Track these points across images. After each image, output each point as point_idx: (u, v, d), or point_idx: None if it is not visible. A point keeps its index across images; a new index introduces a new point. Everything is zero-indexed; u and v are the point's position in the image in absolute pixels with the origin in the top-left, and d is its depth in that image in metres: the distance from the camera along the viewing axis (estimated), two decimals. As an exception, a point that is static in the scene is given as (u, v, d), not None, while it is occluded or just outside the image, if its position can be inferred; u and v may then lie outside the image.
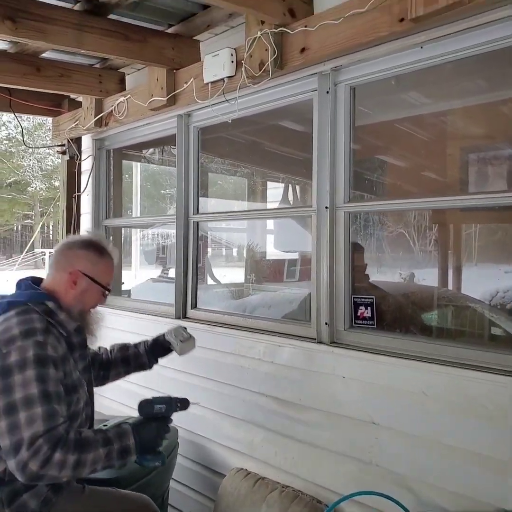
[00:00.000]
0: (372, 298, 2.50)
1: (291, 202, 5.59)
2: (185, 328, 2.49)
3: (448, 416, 2.08)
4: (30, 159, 27.66)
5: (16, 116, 4.19)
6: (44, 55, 3.51)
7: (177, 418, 3.09)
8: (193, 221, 3.42)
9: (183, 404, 2.11)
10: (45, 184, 28.82)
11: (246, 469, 2.80)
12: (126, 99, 3.58)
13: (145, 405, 2.05)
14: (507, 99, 3.26)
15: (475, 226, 4.74)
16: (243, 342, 2.91)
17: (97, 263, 2.09)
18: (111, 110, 3.74)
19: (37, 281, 2.10)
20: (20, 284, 2.07)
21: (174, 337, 2.42)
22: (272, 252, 5.60)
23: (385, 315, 2.75)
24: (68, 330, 2.02)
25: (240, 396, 2.90)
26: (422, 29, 2.14)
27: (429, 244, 4.76)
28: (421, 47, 2.24)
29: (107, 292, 2.14)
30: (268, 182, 5.91)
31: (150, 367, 2.52)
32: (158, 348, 2.47)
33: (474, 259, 4.73)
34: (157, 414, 2.04)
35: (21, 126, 4.57)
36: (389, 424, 2.27)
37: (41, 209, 30.39)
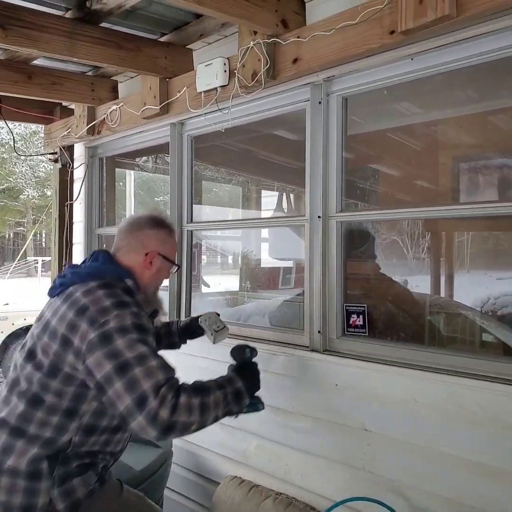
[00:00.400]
0: (364, 306, 2.52)
1: (285, 210, 5.61)
2: (219, 314, 2.53)
3: (439, 423, 2.10)
4: (23, 166, 27.58)
5: (6, 124, 4.18)
6: (35, 62, 3.51)
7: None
8: (187, 230, 3.43)
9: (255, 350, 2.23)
10: (38, 192, 28.73)
11: (240, 477, 2.81)
12: (119, 107, 3.60)
13: (238, 351, 2.16)
14: (497, 110, 3.31)
15: (467, 234, 4.78)
16: (236, 350, 2.91)
17: (167, 241, 2.12)
18: (104, 118, 3.75)
19: (110, 255, 2.08)
20: (96, 256, 2.03)
21: (208, 326, 2.44)
22: (267, 260, 5.60)
23: (377, 323, 2.77)
24: (145, 312, 2.01)
25: (233, 404, 2.90)
26: (412, 41, 2.17)
27: (422, 251, 4.78)
28: (412, 59, 2.27)
29: (176, 268, 2.17)
30: (263, 190, 5.93)
31: (179, 347, 2.56)
32: (190, 331, 2.50)
33: (466, 266, 4.76)
34: (248, 358, 2.16)
35: (12, 133, 4.53)
36: (382, 431, 2.29)
37: (33, 216, 30.27)
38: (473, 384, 2.02)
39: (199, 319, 2.47)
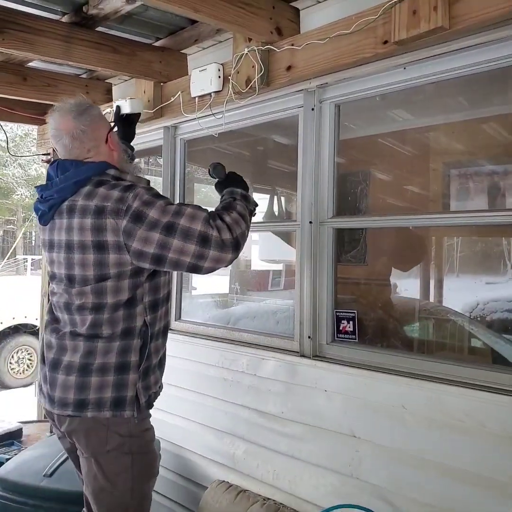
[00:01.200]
0: (354, 312, 2.53)
1: (276, 213, 5.62)
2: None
3: (427, 430, 2.12)
4: (14, 166, 27.41)
5: (0, 124, 4.17)
6: (30, 64, 3.51)
7: (159, 430, 3.08)
8: (178, 233, 3.43)
9: None
10: (30, 191, 28.50)
11: (228, 482, 2.81)
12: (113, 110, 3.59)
13: (218, 168, 2.28)
14: (488, 117, 3.34)
15: (457, 238, 4.79)
16: (226, 354, 2.92)
17: (102, 117, 2.13)
18: (98, 120, 3.74)
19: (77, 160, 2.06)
20: (63, 166, 2.00)
21: (121, 99, 2.72)
22: (257, 262, 5.61)
23: (367, 329, 2.78)
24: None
25: (223, 409, 2.91)
26: (405, 51, 2.19)
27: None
28: (404, 68, 2.29)
29: (115, 127, 2.20)
30: (254, 193, 5.94)
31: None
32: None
33: (456, 270, 4.78)
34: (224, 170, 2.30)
35: (5, 134, 4.48)
36: (370, 437, 2.30)
37: (23, 214, 30.05)
38: (460, 392, 2.04)
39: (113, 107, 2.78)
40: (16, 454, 3.10)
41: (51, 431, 3.51)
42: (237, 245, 1.91)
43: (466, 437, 2.01)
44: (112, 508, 1.96)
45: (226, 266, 1.94)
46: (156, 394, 2.08)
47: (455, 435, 2.03)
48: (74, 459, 2.11)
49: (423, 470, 2.12)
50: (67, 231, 1.93)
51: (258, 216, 5.95)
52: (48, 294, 2.22)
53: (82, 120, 2.02)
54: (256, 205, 2.22)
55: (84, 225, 1.88)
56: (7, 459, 3.04)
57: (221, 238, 1.85)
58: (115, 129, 2.18)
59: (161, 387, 2.14)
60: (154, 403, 2.07)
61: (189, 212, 1.87)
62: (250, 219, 2.11)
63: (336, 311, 2.58)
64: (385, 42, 2.13)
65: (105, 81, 3.84)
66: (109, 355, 1.90)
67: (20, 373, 8.28)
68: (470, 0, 1.88)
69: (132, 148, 2.63)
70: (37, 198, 2.06)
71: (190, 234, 1.83)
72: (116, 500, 1.95)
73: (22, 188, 28.16)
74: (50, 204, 1.99)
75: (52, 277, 2.07)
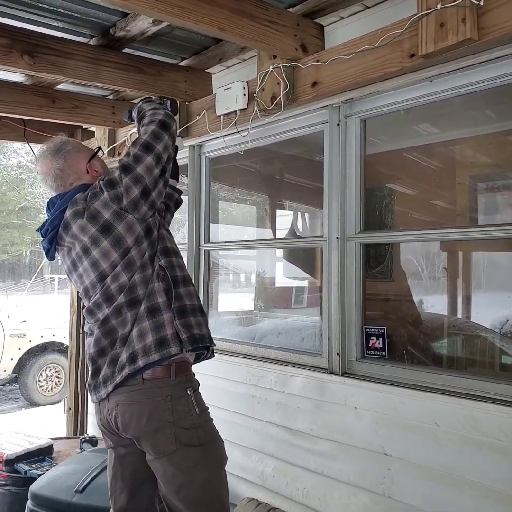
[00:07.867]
0: (384, 329, 2.50)
1: (300, 230, 5.61)
2: None
3: (460, 448, 2.07)
4: (40, 186, 27.96)
5: (30, 146, 4.25)
6: (59, 87, 3.59)
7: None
8: (204, 250, 3.45)
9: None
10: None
11: (257, 499, 2.78)
12: (139, 129, 3.64)
13: (128, 115, 2.52)
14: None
15: (484, 253, 4.72)
16: (254, 371, 2.90)
17: (80, 148, 2.30)
18: (124, 141, 3.79)
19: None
20: (51, 203, 2.17)
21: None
22: (281, 279, 5.60)
23: (397, 345, 2.74)
24: None
25: (251, 426, 2.89)
26: (432, 64, 2.18)
27: (437, 270, 4.74)
28: (431, 81, 2.28)
29: (100, 152, 2.35)
30: (278, 210, 5.95)
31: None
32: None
33: (484, 286, 4.71)
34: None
35: (35, 155, 4.58)
36: (402, 455, 2.26)
37: (50, 234, 30.56)
38: (495, 409, 1.99)
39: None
40: (47, 470, 3.12)
41: (81, 448, 3.52)
42: (164, 124, 2.14)
43: (503, 456, 1.95)
44: (195, 502, 1.98)
45: (172, 135, 2.17)
46: (203, 338, 2.09)
47: (492, 453, 1.98)
48: (126, 465, 2.14)
49: (459, 490, 2.07)
50: (75, 241, 2.06)
51: (282, 232, 5.97)
52: (79, 312, 2.25)
53: (57, 159, 2.19)
54: (164, 103, 2.52)
55: (82, 223, 2.03)
56: (39, 475, 3.05)
57: (153, 133, 2.09)
58: (100, 153, 2.32)
59: (210, 338, 2.15)
60: (206, 352, 2.18)
61: (132, 155, 2.05)
62: (166, 104, 2.47)
63: (365, 328, 2.55)
64: (412, 55, 2.12)
65: (132, 101, 3.89)
66: (137, 307, 2.01)
67: (49, 391, 8.38)
68: (499, 11, 1.86)
69: (179, 192, 2.63)
70: (41, 240, 2.19)
71: (138, 157, 2.04)
72: (197, 493, 1.97)
73: (49, 208, 28.65)
74: (49, 238, 2.14)
75: (85, 293, 2.12)
